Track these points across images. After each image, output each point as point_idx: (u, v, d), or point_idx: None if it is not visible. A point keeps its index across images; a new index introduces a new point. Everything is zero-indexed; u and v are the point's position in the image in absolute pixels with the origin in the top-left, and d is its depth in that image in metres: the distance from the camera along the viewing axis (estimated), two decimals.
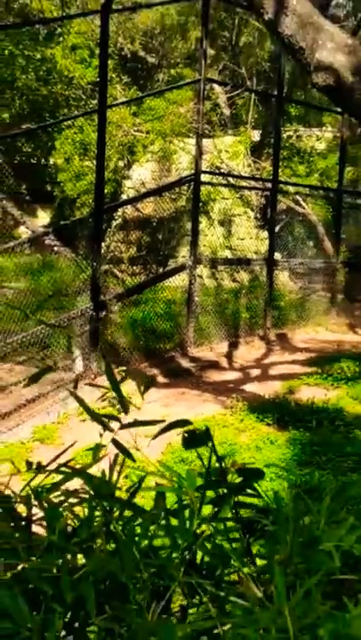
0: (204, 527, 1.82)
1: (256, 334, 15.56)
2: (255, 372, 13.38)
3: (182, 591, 1.73)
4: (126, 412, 2.05)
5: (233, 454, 8.73)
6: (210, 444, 2.02)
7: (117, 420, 2.09)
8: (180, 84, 18.47)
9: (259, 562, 1.98)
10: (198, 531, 1.80)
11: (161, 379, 12.39)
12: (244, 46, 21.35)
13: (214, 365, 13.50)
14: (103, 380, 10.84)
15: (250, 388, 12.11)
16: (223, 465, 2.02)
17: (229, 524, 2.00)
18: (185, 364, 13.28)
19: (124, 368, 11.76)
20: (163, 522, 1.81)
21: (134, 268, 17.07)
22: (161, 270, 16.08)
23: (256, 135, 20.72)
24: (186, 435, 2.06)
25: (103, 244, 14.79)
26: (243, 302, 15.98)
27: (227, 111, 20.65)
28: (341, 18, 20.76)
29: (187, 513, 1.81)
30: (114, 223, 18.20)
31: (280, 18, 7.52)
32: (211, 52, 18.10)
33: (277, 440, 9.38)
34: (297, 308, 17.29)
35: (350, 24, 19.32)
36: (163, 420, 2.12)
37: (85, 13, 19.32)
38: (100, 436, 2.02)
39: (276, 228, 17.38)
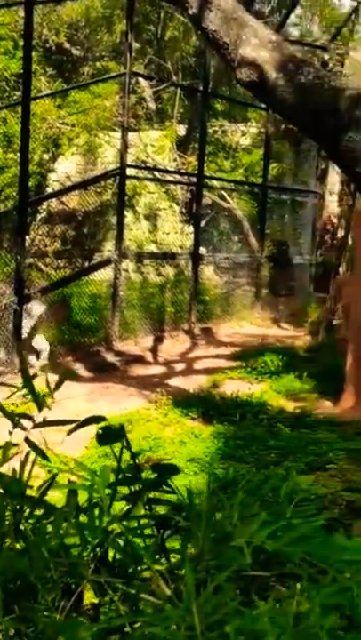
0: (116, 524, 1.81)
1: (181, 328, 15.60)
2: (180, 367, 13.42)
3: (94, 589, 1.72)
4: (40, 409, 2.03)
5: (157, 448, 8.73)
6: (124, 441, 2.01)
7: (30, 418, 2.07)
8: (106, 77, 18.36)
9: (176, 557, 1.98)
10: (110, 528, 1.79)
11: (86, 373, 12.33)
12: (169, 40, 21.31)
13: (139, 360, 13.49)
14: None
15: (174, 382, 12.13)
16: (137, 461, 2.01)
17: (145, 520, 1.99)
18: (110, 358, 13.25)
19: (47, 363, 11.69)
20: (74, 520, 1.80)
21: (59, 261, 16.89)
22: (86, 264, 15.96)
23: (182, 130, 20.72)
24: (100, 431, 2.05)
25: (28, 237, 14.61)
26: (168, 296, 16.01)
27: (153, 105, 20.60)
28: (266, 14, 20.90)
29: (97, 511, 1.80)
30: (38, 216, 17.99)
31: (204, 13, 7.52)
32: (136, 45, 18.02)
33: (201, 434, 9.41)
34: (222, 302, 17.40)
35: (275, 20, 19.46)
36: (76, 420, 2.10)
37: (9, 4, 19.01)
38: (10, 434, 2.00)
39: (202, 223, 17.45)
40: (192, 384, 11.75)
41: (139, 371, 12.91)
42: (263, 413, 10.26)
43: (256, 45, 7.45)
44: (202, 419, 10.07)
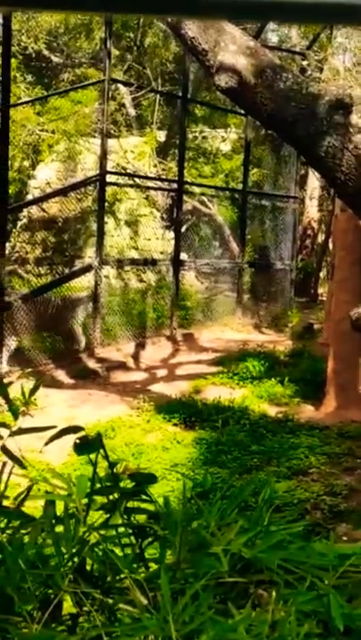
0: (94, 534, 1.81)
1: (163, 334, 15.60)
2: (162, 373, 13.41)
3: (72, 600, 1.71)
4: (16, 417, 2.02)
5: (139, 455, 8.73)
6: (102, 450, 2.00)
7: (5, 426, 2.06)
8: (85, 83, 18.36)
9: (154, 566, 1.97)
10: (87, 537, 1.78)
11: (67, 380, 12.31)
12: (149, 47, 21.36)
13: (121, 366, 13.47)
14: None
15: (157, 388, 12.13)
16: (115, 470, 2.01)
17: (124, 529, 1.98)
18: (91, 364, 13.22)
19: (31, 370, 11.64)
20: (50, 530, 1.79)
21: (40, 268, 16.86)
22: (67, 271, 15.93)
23: (162, 136, 20.75)
24: (78, 441, 2.04)
25: (8, 244, 14.58)
26: (149, 302, 16.02)
27: (132, 111, 20.63)
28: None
29: (74, 521, 1.79)
30: (19, 223, 17.96)
31: (182, 19, 7.54)
32: (115, 52, 18.04)
33: (184, 440, 9.43)
34: (203, 308, 17.42)
35: (253, 26, 19.51)
36: (54, 426, 2.10)
37: None
38: None
39: (183, 229, 17.46)
40: (174, 390, 11.75)
41: (121, 377, 12.90)
42: (245, 418, 10.28)
43: (235, 51, 7.47)
44: (184, 424, 10.08)
